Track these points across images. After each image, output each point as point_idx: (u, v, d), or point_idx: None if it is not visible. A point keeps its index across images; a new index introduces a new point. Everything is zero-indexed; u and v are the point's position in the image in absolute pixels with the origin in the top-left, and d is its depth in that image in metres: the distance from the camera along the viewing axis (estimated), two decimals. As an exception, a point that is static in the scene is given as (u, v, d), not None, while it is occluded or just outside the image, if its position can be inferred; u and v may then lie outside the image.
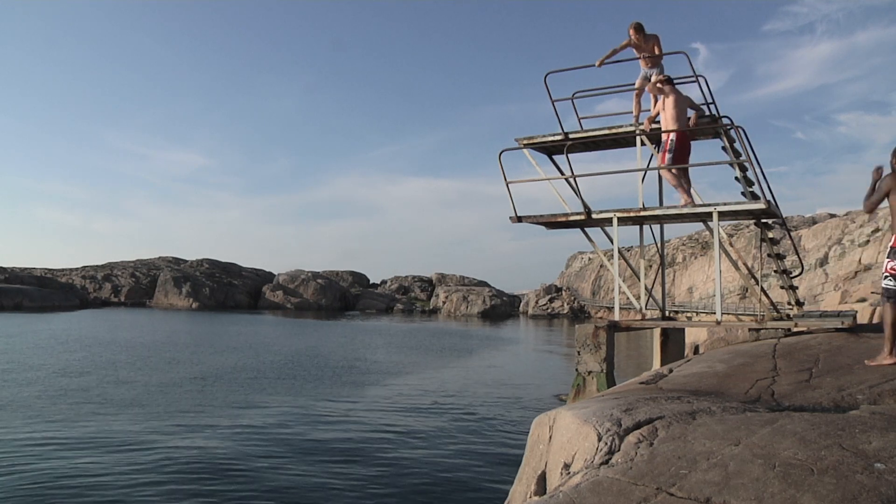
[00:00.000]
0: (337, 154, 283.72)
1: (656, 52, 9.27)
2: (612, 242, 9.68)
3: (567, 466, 3.54)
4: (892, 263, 5.41)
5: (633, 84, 9.59)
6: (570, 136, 9.76)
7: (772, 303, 10.06)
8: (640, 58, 9.38)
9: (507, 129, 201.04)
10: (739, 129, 8.30)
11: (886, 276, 5.43)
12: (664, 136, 8.78)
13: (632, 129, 9.50)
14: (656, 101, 9.26)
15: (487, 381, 22.56)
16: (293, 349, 32.44)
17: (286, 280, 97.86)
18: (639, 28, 9.16)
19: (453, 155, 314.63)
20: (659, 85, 8.77)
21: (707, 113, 9.12)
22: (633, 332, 11.80)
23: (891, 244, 5.48)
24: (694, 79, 8.98)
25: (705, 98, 9.06)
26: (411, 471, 10.58)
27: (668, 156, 8.67)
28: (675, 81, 9.03)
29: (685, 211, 8.77)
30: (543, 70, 9.76)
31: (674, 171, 8.84)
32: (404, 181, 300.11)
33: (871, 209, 5.49)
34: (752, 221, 9.81)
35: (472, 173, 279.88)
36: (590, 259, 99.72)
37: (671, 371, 6.11)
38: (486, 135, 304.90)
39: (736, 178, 9.17)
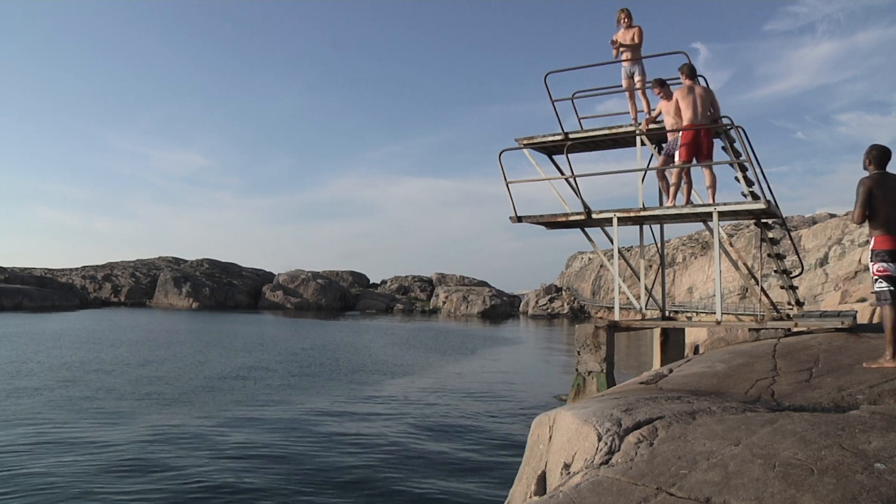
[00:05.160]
0: (337, 154, 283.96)
1: (636, 41, 9.40)
2: (612, 242, 9.69)
3: (567, 466, 3.54)
4: (877, 266, 5.34)
5: (635, 85, 9.61)
6: (570, 136, 9.76)
7: (772, 303, 10.06)
8: (623, 50, 9.49)
9: (508, 129, 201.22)
10: (739, 129, 8.30)
11: (877, 280, 5.36)
12: (672, 135, 8.74)
13: (632, 129, 9.52)
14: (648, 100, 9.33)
15: (488, 380, 22.55)
16: (300, 349, 32.56)
17: (286, 280, 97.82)
18: (630, 14, 9.47)
19: (453, 155, 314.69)
20: (689, 82, 8.62)
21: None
22: (633, 332, 11.82)
23: (871, 247, 5.42)
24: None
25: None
26: (409, 470, 10.57)
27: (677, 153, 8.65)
28: (674, 82, 9.04)
29: (685, 211, 8.77)
30: (543, 70, 9.79)
31: (675, 169, 8.84)
32: (404, 181, 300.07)
33: (861, 219, 5.40)
34: (752, 221, 9.82)
35: (473, 173, 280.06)
36: (590, 259, 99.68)
37: (671, 371, 6.11)
38: (487, 135, 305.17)
39: (736, 178, 9.17)
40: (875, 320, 14.28)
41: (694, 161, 8.67)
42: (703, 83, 8.91)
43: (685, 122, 8.43)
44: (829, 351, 6.32)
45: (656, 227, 10.50)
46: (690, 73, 8.51)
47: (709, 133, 8.55)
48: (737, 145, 8.69)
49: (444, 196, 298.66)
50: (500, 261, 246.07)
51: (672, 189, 8.90)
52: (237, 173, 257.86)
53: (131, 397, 17.01)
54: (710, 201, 8.62)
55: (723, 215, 8.55)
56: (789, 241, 13.00)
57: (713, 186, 8.67)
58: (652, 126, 9.16)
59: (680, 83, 8.93)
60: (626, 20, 9.50)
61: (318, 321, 64.44)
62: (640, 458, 3.06)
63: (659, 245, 11.03)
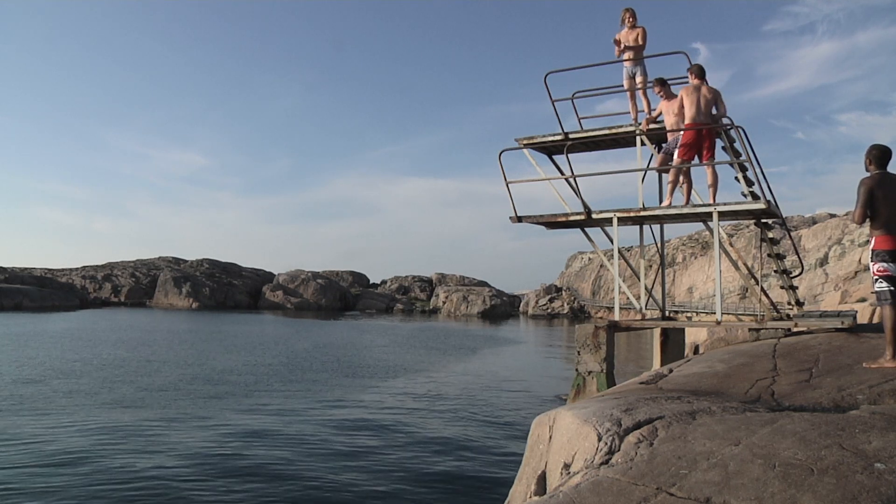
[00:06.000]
0: (337, 154, 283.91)
1: (640, 42, 9.39)
2: (612, 242, 9.69)
3: (567, 466, 3.54)
4: (877, 266, 5.33)
5: (636, 85, 9.61)
6: (570, 136, 9.76)
7: (772, 303, 10.06)
8: (626, 49, 9.48)
9: (508, 129, 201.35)
10: (739, 129, 8.29)
11: (877, 280, 5.35)
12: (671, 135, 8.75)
13: (632, 129, 9.51)
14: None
15: (488, 380, 22.55)
16: (301, 348, 32.67)
17: (286, 280, 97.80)
18: (634, 14, 9.45)
19: (453, 155, 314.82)
20: (695, 81, 8.61)
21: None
22: (633, 332, 11.81)
23: (872, 247, 5.41)
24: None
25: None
26: (410, 470, 10.57)
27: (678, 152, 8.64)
28: (674, 82, 9.04)
29: (685, 211, 8.76)
30: (543, 70, 9.78)
31: (673, 169, 8.84)
32: (404, 181, 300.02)
33: (862, 219, 5.39)
34: (752, 221, 9.81)
35: (473, 173, 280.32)
36: (590, 259, 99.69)
37: (671, 371, 6.11)
38: (487, 135, 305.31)
39: (736, 178, 9.17)
40: (875, 320, 14.28)
41: (695, 160, 8.66)
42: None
43: (687, 121, 8.43)
44: (829, 351, 6.31)
45: (656, 227, 10.50)
46: (699, 72, 8.51)
47: (711, 133, 8.56)
48: (737, 145, 8.68)
49: (444, 196, 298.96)
50: (500, 261, 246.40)
51: (669, 187, 8.90)
52: (237, 173, 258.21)
53: (143, 392, 17.13)
54: (711, 200, 8.61)
55: (723, 215, 8.54)
56: (789, 241, 13.00)
57: (715, 185, 8.66)
58: (652, 126, 9.16)
59: (681, 83, 8.93)
60: (630, 20, 9.48)
61: (318, 321, 64.45)
62: (640, 458, 3.06)
63: (659, 245, 11.02)
